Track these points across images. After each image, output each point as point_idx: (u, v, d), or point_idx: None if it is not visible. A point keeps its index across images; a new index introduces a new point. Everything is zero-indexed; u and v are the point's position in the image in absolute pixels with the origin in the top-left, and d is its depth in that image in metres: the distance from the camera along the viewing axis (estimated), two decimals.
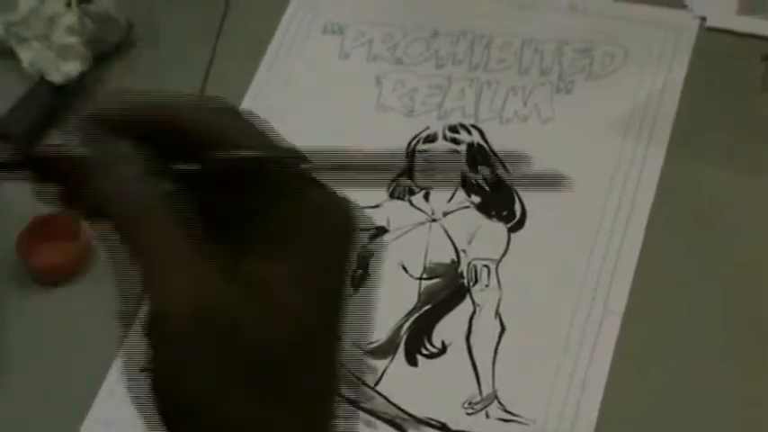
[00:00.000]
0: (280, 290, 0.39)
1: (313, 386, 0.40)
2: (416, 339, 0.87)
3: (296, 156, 0.42)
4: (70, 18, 1.01)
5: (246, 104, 1.02)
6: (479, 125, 0.97)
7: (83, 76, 1.03)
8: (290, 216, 0.40)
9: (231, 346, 0.38)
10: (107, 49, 1.06)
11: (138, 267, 0.38)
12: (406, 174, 0.95)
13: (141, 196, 0.39)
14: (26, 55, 1.03)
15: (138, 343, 0.40)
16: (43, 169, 0.41)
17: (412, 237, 0.92)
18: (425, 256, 0.90)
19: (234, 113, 0.42)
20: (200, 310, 0.38)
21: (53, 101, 1.03)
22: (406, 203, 0.94)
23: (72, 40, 1.01)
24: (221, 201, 0.41)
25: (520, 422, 0.82)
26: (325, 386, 0.41)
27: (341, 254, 0.41)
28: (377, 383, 0.85)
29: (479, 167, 0.94)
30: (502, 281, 0.88)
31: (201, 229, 0.39)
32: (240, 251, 0.40)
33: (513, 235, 0.90)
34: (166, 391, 0.39)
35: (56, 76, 1.02)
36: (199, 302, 0.38)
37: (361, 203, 0.95)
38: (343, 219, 0.41)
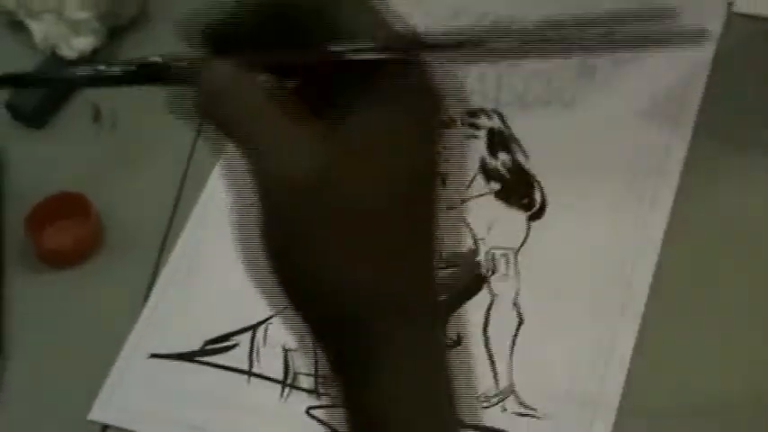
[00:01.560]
0: (377, 149, 0.41)
1: (418, 245, 0.43)
2: None
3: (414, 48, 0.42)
4: None
5: None
6: (500, 109, 0.95)
7: (96, 51, 1.01)
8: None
9: (342, 204, 0.41)
10: (121, 24, 1.05)
11: (251, 145, 0.42)
12: None
13: (252, 94, 0.42)
14: (38, 29, 1.01)
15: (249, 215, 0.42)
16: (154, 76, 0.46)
17: None
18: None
19: None
20: (313, 170, 0.40)
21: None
22: None
23: (85, 14, 0.99)
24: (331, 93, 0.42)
25: (536, 417, 0.80)
26: (428, 247, 0.43)
27: (430, 123, 0.42)
28: None
29: (499, 153, 0.92)
30: (521, 271, 0.86)
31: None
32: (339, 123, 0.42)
33: (532, 224, 0.88)
34: (284, 253, 0.42)
35: (68, 52, 1.00)
36: (311, 161, 0.40)
37: None
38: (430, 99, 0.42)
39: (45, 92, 1.00)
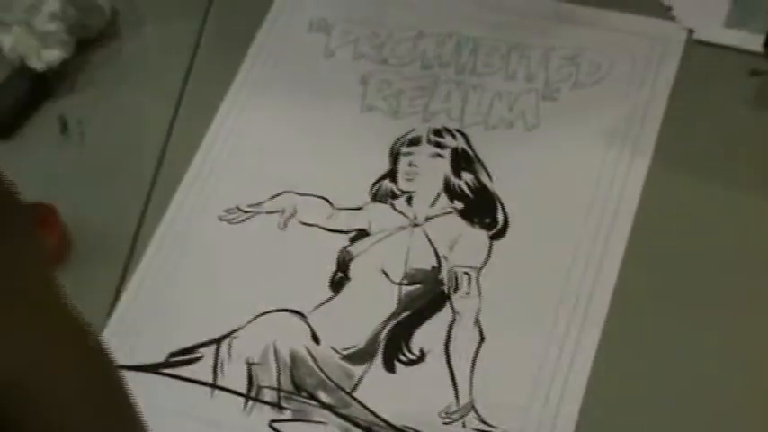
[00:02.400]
0: None
1: None
2: (395, 346, 0.86)
3: None
4: (53, 4, 1.00)
5: (228, 102, 1.01)
6: (464, 130, 0.96)
7: (65, 63, 1.02)
8: None
9: None
10: (90, 37, 1.05)
11: None
12: (389, 176, 0.95)
13: None
14: (7, 41, 1.01)
15: None
16: None
17: (393, 241, 0.91)
18: (406, 262, 0.90)
19: None
20: None
21: (33, 88, 1.02)
22: (388, 207, 0.93)
23: (54, 26, 1.00)
24: None
25: None
26: None
27: None
28: (354, 390, 0.84)
29: (463, 173, 0.94)
30: (482, 289, 0.87)
31: None
32: None
33: (495, 243, 0.90)
34: None
35: (37, 63, 1.00)
36: None
37: (344, 204, 0.96)
38: None
39: (12, 103, 1.00)
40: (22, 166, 0.99)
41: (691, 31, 0.99)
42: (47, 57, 1.00)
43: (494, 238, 0.90)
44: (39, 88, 1.02)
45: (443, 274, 0.89)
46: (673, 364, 0.83)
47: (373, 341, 0.86)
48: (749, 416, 0.80)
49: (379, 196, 0.94)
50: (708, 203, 0.90)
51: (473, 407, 0.82)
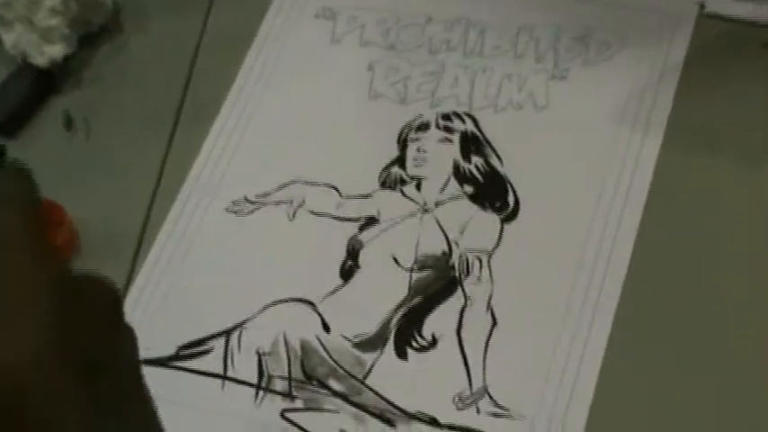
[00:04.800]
0: None
1: None
2: (406, 332, 0.85)
3: None
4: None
5: (234, 93, 1.00)
6: (473, 113, 0.95)
7: (67, 59, 1.01)
8: None
9: None
10: (93, 32, 1.04)
11: None
12: (397, 163, 0.94)
13: None
14: (8, 37, 1.00)
15: None
16: None
17: (403, 227, 0.90)
18: (416, 248, 0.88)
19: None
20: None
21: (37, 84, 1.01)
22: (397, 193, 0.92)
23: (55, 21, 0.99)
24: None
25: (510, 417, 0.80)
26: None
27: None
28: (366, 377, 0.83)
29: (472, 157, 0.93)
30: (494, 273, 0.86)
31: None
32: None
33: (506, 226, 0.88)
34: None
35: (39, 59, 1.00)
36: None
37: (352, 192, 0.95)
38: None
39: (17, 101, 1.00)
40: (28, 164, 0.98)
41: (701, 6, 0.97)
42: (49, 52, 0.99)
43: (505, 221, 0.89)
44: (42, 85, 1.01)
45: (454, 260, 0.87)
46: (687, 346, 0.81)
47: (384, 328, 0.85)
48: None
49: (387, 183, 0.93)
50: (722, 181, 0.88)
51: (487, 392, 0.81)
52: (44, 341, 0.37)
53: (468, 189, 0.91)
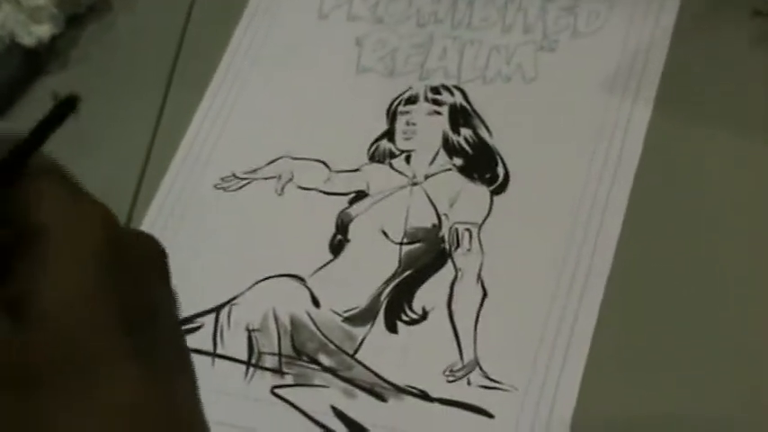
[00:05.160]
0: None
1: None
2: (397, 306, 0.85)
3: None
4: None
5: (222, 70, 1.00)
6: (462, 85, 0.94)
7: (55, 38, 1.01)
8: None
9: None
10: (80, 12, 1.04)
11: None
12: (386, 136, 0.93)
13: None
14: None
15: None
16: None
17: (393, 201, 0.90)
18: (406, 221, 0.88)
19: None
20: None
21: (25, 65, 1.01)
22: (386, 167, 0.92)
23: (43, 1, 0.99)
24: None
25: (502, 389, 0.80)
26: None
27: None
28: (356, 351, 0.83)
29: (461, 129, 0.92)
30: (484, 245, 0.86)
31: None
32: None
33: (495, 198, 0.88)
34: None
35: (27, 39, 0.99)
36: None
37: (341, 166, 0.94)
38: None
39: (5, 80, 1.00)
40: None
41: None
42: (37, 32, 0.99)
43: (495, 192, 0.88)
44: (30, 65, 1.01)
45: (444, 232, 0.87)
46: (679, 316, 0.81)
47: (375, 302, 0.85)
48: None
49: (376, 157, 0.92)
50: (713, 148, 0.88)
51: (478, 364, 0.81)
52: (93, 288, 0.38)
53: (458, 161, 0.91)
